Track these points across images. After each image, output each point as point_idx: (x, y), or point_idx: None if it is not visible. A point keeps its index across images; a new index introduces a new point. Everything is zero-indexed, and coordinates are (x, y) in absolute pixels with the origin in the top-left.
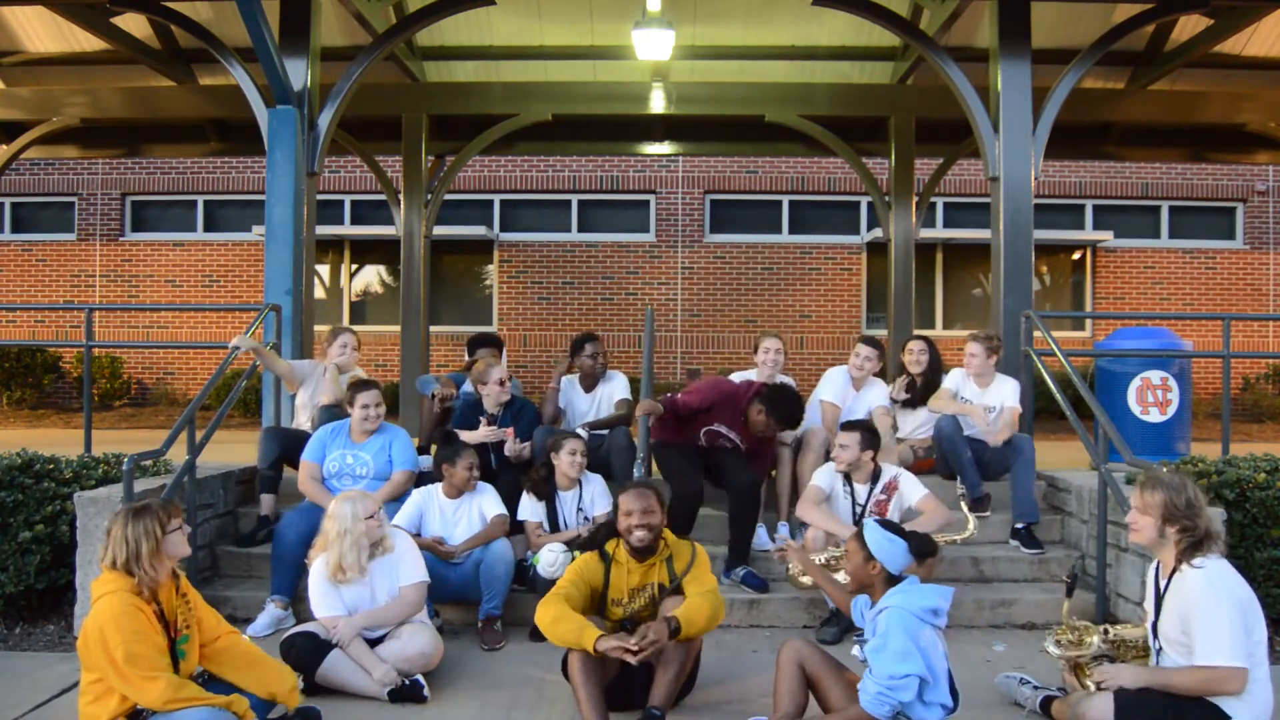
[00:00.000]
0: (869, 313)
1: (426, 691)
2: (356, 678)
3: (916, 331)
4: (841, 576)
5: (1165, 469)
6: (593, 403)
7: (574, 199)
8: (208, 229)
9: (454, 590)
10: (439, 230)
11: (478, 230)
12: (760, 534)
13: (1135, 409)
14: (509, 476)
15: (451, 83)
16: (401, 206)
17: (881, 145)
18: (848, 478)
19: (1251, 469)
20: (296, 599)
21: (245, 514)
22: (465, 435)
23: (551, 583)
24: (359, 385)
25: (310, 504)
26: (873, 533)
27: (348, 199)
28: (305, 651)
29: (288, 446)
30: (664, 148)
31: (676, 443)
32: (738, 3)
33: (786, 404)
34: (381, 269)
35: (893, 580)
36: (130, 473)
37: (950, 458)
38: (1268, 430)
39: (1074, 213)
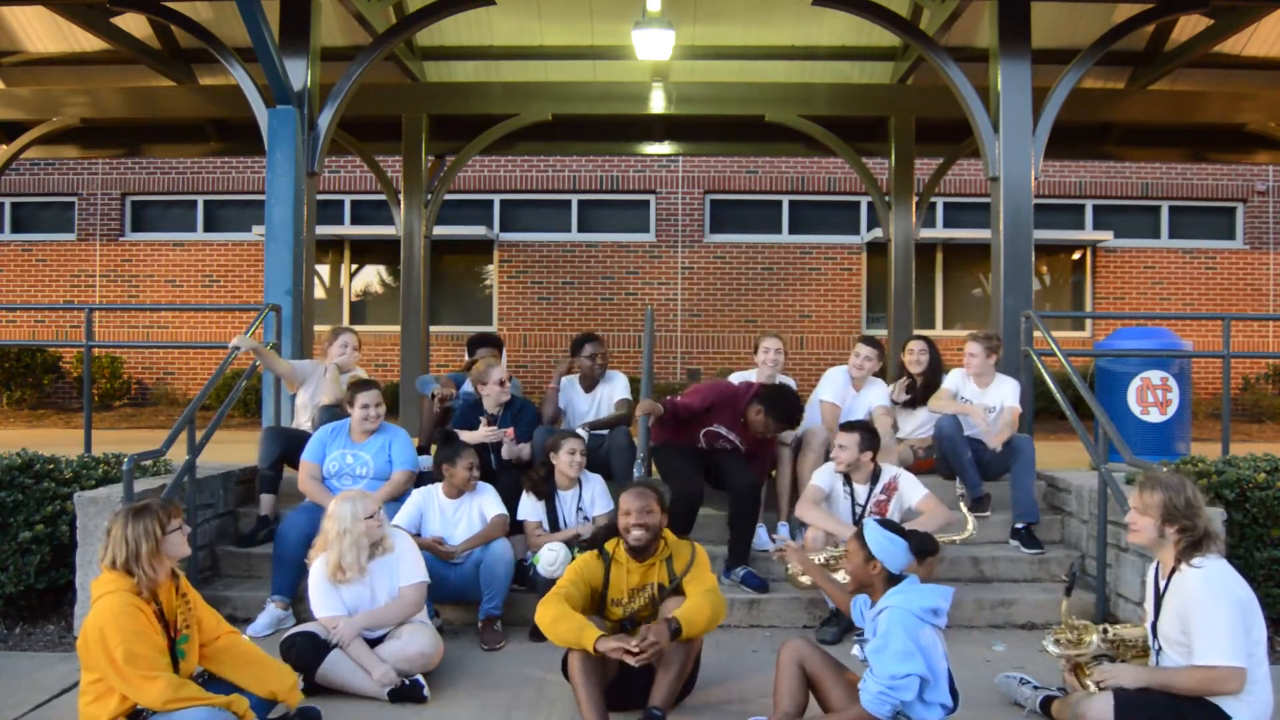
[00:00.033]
0: (869, 313)
1: (426, 691)
2: (356, 678)
3: (916, 331)
4: (841, 576)
5: (1165, 469)
6: (593, 403)
7: (574, 199)
8: (208, 229)
9: (454, 590)
10: (439, 230)
11: (478, 230)
12: (760, 534)
13: (1135, 409)
14: (509, 476)
15: (451, 83)
16: (401, 206)
17: (881, 145)
18: (847, 478)
19: (1251, 469)
20: (297, 599)
21: (245, 514)
22: (465, 435)
23: (551, 582)
24: (359, 385)
25: (313, 504)
26: (873, 532)
27: (348, 199)
28: (305, 651)
29: (288, 446)
30: (664, 148)
31: (676, 444)
32: (738, 3)
33: (785, 404)
34: (381, 269)
35: (893, 580)
36: (130, 473)
37: (951, 458)
38: (1268, 430)
39: (1074, 213)
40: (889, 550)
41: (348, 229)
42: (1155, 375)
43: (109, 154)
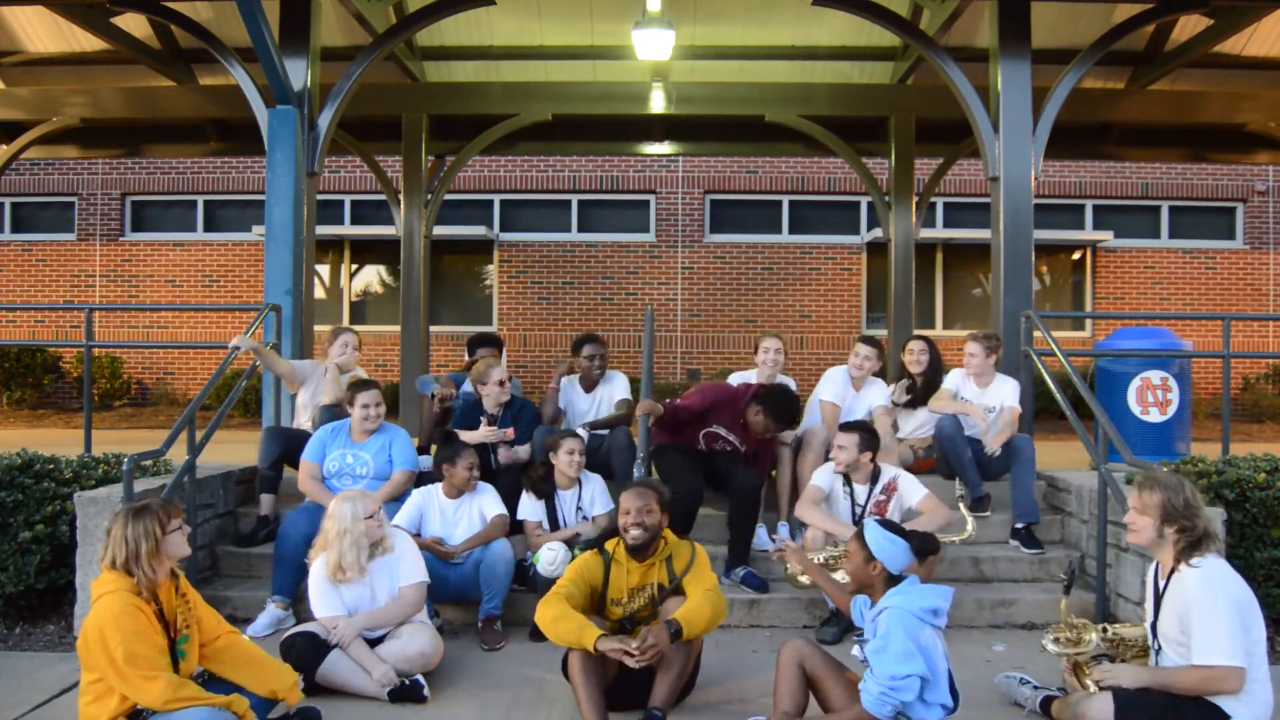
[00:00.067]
0: (869, 313)
1: (426, 691)
2: (356, 678)
3: (916, 331)
4: (841, 576)
5: (1164, 469)
6: (593, 403)
7: (574, 199)
8: (208, 229)
9: (454, 590)
10: (439, 230)
11: (478, 230)
12: (760, 534)
13: (1135, 409)
14: (509, 476)
15: (451, 83)
16: (401, 206)
17: (881, 145)
18: (847, 478)
19: (1251, 469)
20: (297, 599)
21: (245, 514)
22: (465, 435)
23: (551, 582)
24: (359, 385)
25: (313, 504)
26: (873, 533)
27: (348, 199)
28: (305, 651)
29: (288, 446)
30: (664, 148)
31: (675, 445)
32: (738, 3)
33: (783, 404)
34: (381, 269)
35: (893, 580)
36: (130, 473)
37: (951, 458)
38: (1268, 430)
39: (1074, 213)
40: (889, 551)
41: (348, 229)
42: (1155, 375)
43: (109, 154)
